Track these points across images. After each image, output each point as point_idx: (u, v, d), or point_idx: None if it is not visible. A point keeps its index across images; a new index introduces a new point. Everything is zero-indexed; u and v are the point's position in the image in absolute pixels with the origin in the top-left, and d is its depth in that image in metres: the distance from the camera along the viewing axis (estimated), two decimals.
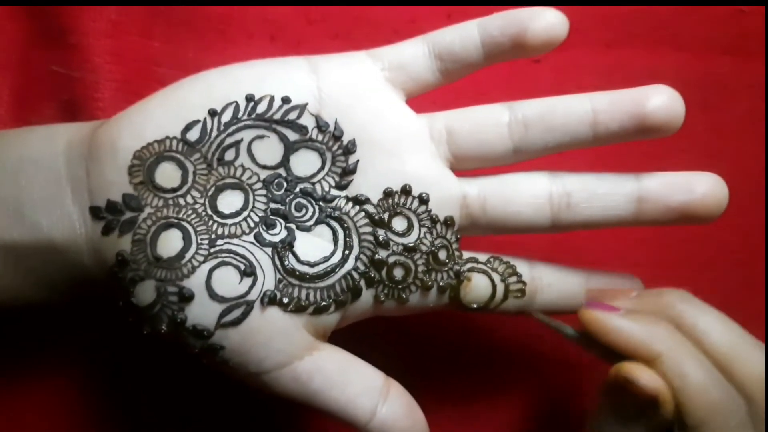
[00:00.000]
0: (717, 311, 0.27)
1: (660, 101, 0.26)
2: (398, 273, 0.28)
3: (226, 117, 0.27)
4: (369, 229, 0.28)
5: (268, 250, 0.27)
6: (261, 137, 0.27)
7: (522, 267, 0.29)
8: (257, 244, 0.27)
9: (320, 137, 0.27)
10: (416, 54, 0.28)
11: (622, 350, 0.26)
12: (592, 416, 0.28)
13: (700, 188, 0.27)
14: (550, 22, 0.27)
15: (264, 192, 0.27)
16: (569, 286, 0.29)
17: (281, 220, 0.27)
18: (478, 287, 0.29)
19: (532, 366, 0.36)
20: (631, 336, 0.26)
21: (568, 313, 0.29)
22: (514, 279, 0.29)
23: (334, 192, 0.28)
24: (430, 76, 0.28)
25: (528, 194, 0.28)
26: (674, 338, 0.26)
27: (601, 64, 0.38)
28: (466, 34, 0.28)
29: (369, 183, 0.28)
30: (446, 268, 0.28)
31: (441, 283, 0.28)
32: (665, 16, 0.39)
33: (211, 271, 0.26)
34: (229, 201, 0.27)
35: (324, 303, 0.27)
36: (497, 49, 0.27)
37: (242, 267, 0.26)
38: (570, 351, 0.36)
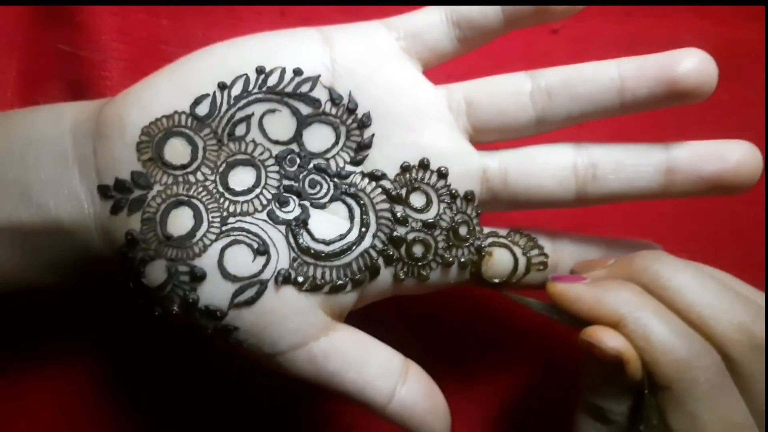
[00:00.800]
0: (693, 268, 0.26)
1: (691, 64, 0.26)
2: (418, 250, 0.27)
3: (236, 90, 0.26)
4: (386, 205, 0.27)
5: (282, 228, 0.26)
6: (272, 111, 0.26)
7: (543, 239, 0.29)
8: (270, 222, 0.26)
9: (334, 111, 0.27)
10: (433, 22, 0.27)
11: (586, 318, 0.25)
12: (582, 395, 0.27)
13: (734, 156, 0.26)
14: None
15: (276, 168, 0.26)
16: (591, 256, 0.29)
17: (295, 198, 0.26)
18: (499, 262, 0.28)
19: (555, 346, 0.36)
20: (593, 302, 0.25)
21: None
22: (535, 252, 0.28)
23: (349, 168, 0.27)
24: (448, 44, 0.27)
25: (552, 166, 0.27)
26: (636, 299, 0.25)
27: (621, 34, 0.37)
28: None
29: (385, 158, 0.27)
30: (467, 244, 0.28)
31: (462, 259, 0.27)
32: None
33: (223, 249, 0.25)
34: (241, 178, 0.26)
35: (340, 282, 0.26)
36: (517, 14, 0.27)
37: (255, 245, 0.25)
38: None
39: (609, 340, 0.25)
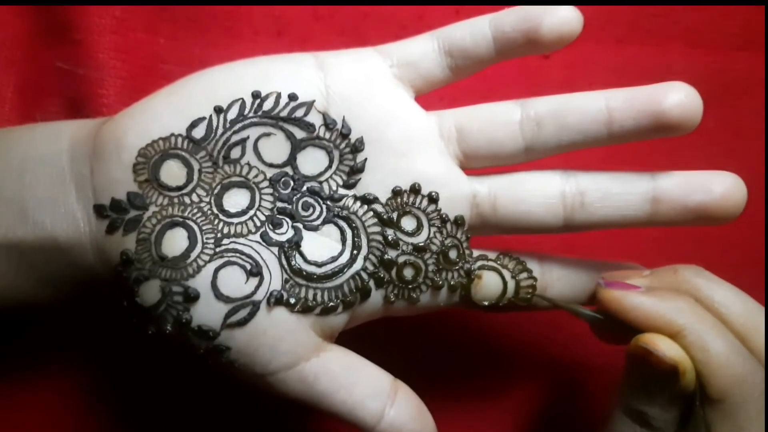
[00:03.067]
0: (731, 285, 0.27)
1: (677, 98, 0.26)
2: (408, 273, 0.27)
3: (232, 114, 0.26)
4: (378, 228, 0.27)
5: (275, 249, 0.26)
6: (267, 135, 0.27)
7: (532, 263, 0.29)
8: (264, 244, 0.26)
9: (327, 135, 0.27)
10: (426, 50, 0.28)
11: (643, 327, 0.26)
12: (619, 392, 0.27)
13: (719, 188, 0.26)
14: (565, 17, 0.26)
15: (270, 191, 0.27)
16: (581, 280, 0.29)
17: (288, 220, 0.27)
18: (488, 285, 0.28)
19: (540, 367, 0.36)
20: (652, 312, 0.26)
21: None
22: (524, 275, 0.29)
23: (342, 191, 0.27)
24: (440, 72, 0.28)
25: (540, 194, 0.28)
26: (695, 311, 0.26)
27: (612, 61, 0.38)
28: (476, 30, 0.27)
29: (377, 182, 0.27)
30: (457, 267, 0.28)
31: (452, 282, 0.28)
32: (677, 12, 0.38)
33: (216, 270, 0.25)
34: (235, 200, 0.26)
35: (332, 304, 0.27)
36: (509, 44, 0.27)
37: (248, 267, 0.26)
38: (577, 352, 0.35)
39: (667, 349, 0.25)
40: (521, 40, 0.27)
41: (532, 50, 0.27)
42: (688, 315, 0.25)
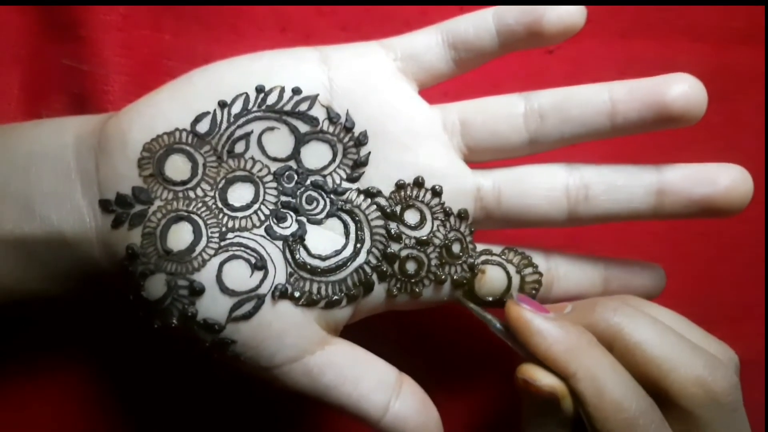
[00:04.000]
0: (652, 319, 0.26)
1: (681, 90, 0.26)
2: (411, 267, 0.27)
3: (236, 108, 0.26)
4: (381, 222, 0.27)
5: (279, 243, 0.26)
6: (271, 129, 0.27)
7: (538, 257, 0.29)
8: (268, 238, 0.26)
9: (331, 129, 0.27)
10: (429, 44, 0.28)
11: (539, 358, 0.26)
12: (521, 419, 0.28)
13: (724, 180, 0.26)
14: (568, 10, 0.26)
15: (274, 184, 0.27)
16: (587, 276, 0.29)
17: (292, 213, 0.27)
18: (492, 280, 0.28)
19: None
20: (551, 350, 0.25)
21: None
22: (529, 270, 0.28)
23: (346, 184, 0.27)
24: (444, 65, 0.28)
25: (544, 187, 0.28)
26: (592, 354, 0.25)
27: (616, 55, 0.38)
28: (480, 23, 0.27)
29: (381, 175, 0.27)
30: (460, 262, 0.28)
31: (455, 277, 0.28)
32: (680, 6, 0.38)
33: (221, 264, 0.26)
34: (240, 194, 0.27)
35: (336, 297, 0.27)
36: (513, 37, 0.27)
37: (253, 260, 0.26)
38: None
39: (542, 378, 0.25)
40: (524, 33, 0.27)
41: (535, 43, 0.27)
42: (584, 358, 0.25)
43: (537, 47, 0.28)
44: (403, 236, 0.27)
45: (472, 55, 0.28)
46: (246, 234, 0.26)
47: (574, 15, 0.26)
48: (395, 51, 0.28)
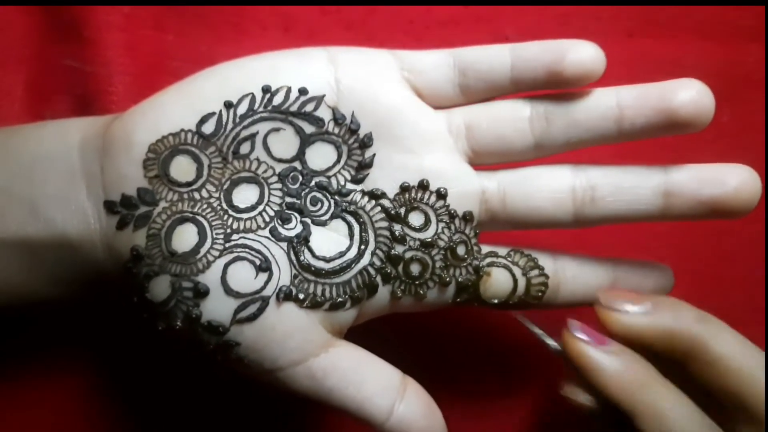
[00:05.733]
0: (733, 332, 0.26)
1: (689, 96, 0.26)
2: (415, 269, 0.27)
3: (242, 109, 0.26)
4: (385, 224, 0.27)
5: (284, 245, 0.26)
6: (277, 130, 0.27)
7: (544, 259, 0.29)
8: (273, 239, 0.26)
9: (336, 130, 0.27)
10: (439, 62, 0.27)
11: (600, 393, 0.26)
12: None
13: (733, 181, 0.26)
14: (590, 55, 0.26)
15: (279, 186, 0.27)
16: (595, 278, 0.29)
17: (297, 215, 0.27)
18: (498, 282, 0.28)
19: (549, 364, 0.36)
20: (609, 384, 0.25)
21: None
22: (535, 272, 0.28)
23: (350, 186, 0.27)
24: (449, 88, 0.27)
25: (549, 188, 0.27)
26: (652, 392, 0.25)
27: (624, 54, 0.37)
28: (495, 54, 0.27)
29: (385, 177, 0.27)
30: (465, 264, 0.28)
31: (459, 279, 0.28)
32: (688, 5, 0.38)
33: (226, 266, 0.26)
34: (245, 195, 0.26)
35: (340, 299, 0.27)
36: (528, 74, 0.27)
37: (258, 262, 0.26)
38: None
39: (586, 400, 0.27)
40: (542, 72, 0.26)
41: (550, 83, 0.27)
42: (646, 395, 0.25)
43: (550, 89, 0.27)
44: (408, 238, 0.27)
45: (481, 84, 0.27)
46: (251, 235, 0.26)
47: (596, 61, 0.26)
48: (403, 61, 0.27)
